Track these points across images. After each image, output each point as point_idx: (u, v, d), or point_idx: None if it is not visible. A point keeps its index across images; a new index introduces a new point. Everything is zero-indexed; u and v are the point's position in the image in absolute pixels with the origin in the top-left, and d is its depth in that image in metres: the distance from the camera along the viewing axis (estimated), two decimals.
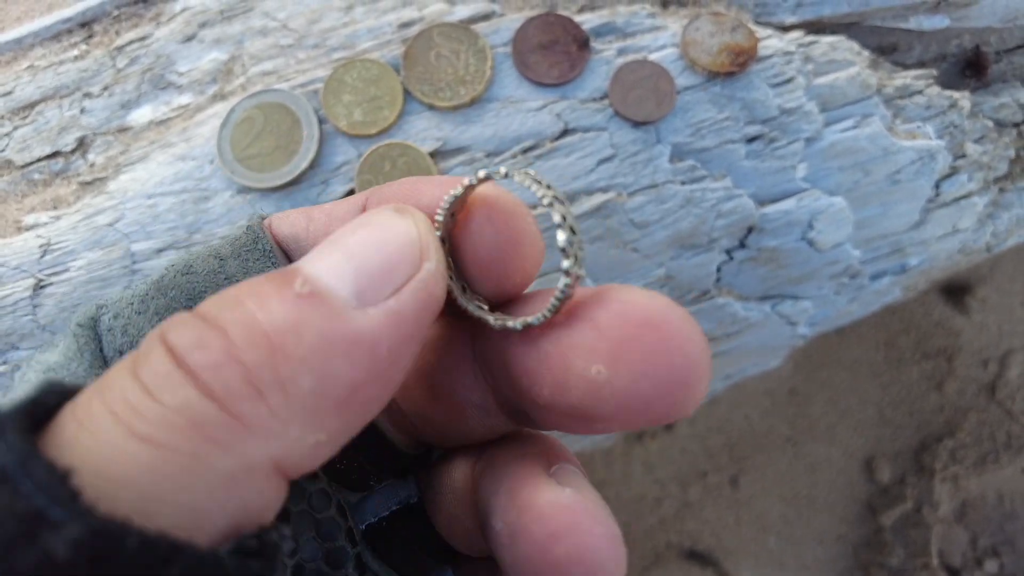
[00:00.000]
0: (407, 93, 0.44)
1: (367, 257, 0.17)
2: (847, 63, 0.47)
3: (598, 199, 0.44)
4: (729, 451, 1.01)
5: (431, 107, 0.44)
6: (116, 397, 0.15)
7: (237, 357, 0.15)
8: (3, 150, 0.51)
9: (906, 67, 0.53)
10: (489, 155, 0.44)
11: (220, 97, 0.49)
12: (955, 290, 1.03)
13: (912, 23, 0.52)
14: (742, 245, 0.46)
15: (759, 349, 0.52)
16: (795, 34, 0.48)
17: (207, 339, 0.15)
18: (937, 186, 0.52)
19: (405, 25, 0.46)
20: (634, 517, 0.98)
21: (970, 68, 0.54)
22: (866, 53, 0.49)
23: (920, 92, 0.50)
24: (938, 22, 0.52)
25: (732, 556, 1.00)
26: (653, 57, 0.44)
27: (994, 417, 1.00)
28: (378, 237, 0.18)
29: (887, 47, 0.53)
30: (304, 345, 0.16)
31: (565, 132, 0.44)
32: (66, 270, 0.46)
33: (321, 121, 0.44)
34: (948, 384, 1.02)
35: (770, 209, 0.46)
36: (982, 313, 1.02)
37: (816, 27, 0.51)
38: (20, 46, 0.55)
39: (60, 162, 0.50)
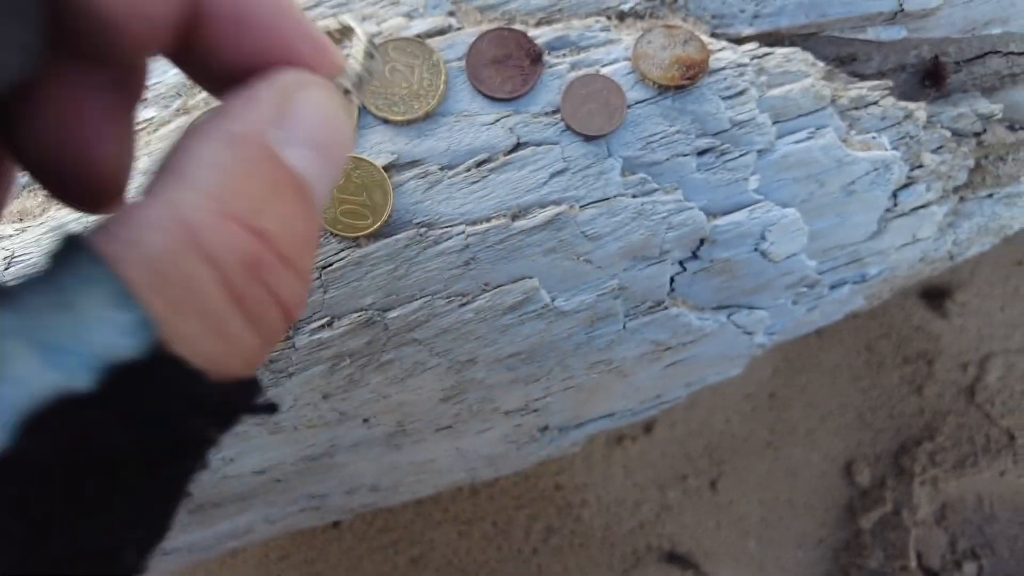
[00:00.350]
0: (362, 107, 0.45)
1: (332, 151, 0.20)
2: (801, 75, 0.48)
3: (551, 211, 0.44)
4: (709, 455, 1.01)
5: (385, 121, 0.44)
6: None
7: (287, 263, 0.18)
8: None
9: (865, 77, 0.54)
10: (443, 168, 0.45)
11: (184, 111, 0.49)
12: (935, 294, 1.04)
13: (870, 34, 0.53)
14: (695, 256, 0.47)
15: (717, 358, 0.53)
16: (749, 46, 0.48)
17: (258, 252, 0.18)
18: (894, 196, 0.52)
19: None
20: (613, 520, 0.99)
21: (929, 78, 0.55)
22: (821, 64, 0.50)
23: (875, 103, 0.50)
24: (895, 33, 0.52)
25: (712, 559, 1.00)
26: (605, 71, 0.45)
27: (973, 420, 1.01)
28: (336, 127, 0.20)
29: (846, 58, 0.54)
30: (307, 244, 0.19)
31: (518, 146, 0.44)
32: None
33: None
34: (928, 388, 1.03)
35: (721, 221, 0.46)
36: (962, 317, 1.03)
37: (775, 39, 0.52)
38: None
39: (26, 175, 0.51)
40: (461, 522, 0.99)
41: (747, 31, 0.50)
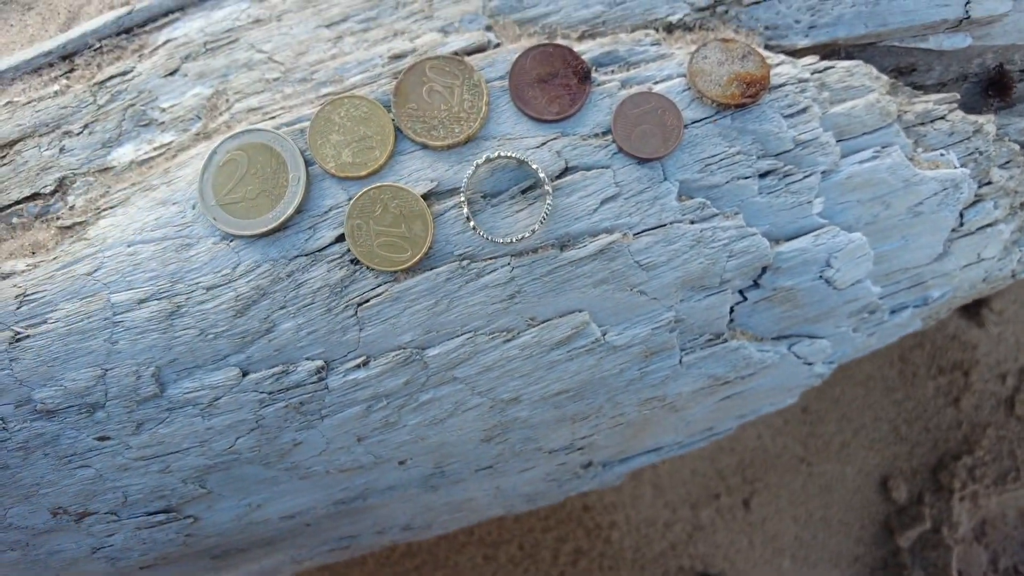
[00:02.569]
0: (398, 132, 0.42)
1: None
2: (865, 89, 0.45)
3: (603, 240, 0.41)
4: (741, 472, 0.98)
5: (424, 146, 0.41)
6: None
7: None
8: None
9: (925, 88, 0.51)
10: (486, 196, 0.41)
11: (204, 135, 0.46)
12: (971, 303, 1.00)
13: (932, 43, 0.49)
14: (756, 285, 0.44)
15: (774, 390, 0.50)
16: (809, 59, 0.45)
17: None
18: (961, 215, 0.49)
19: (396, 57, 0.44)
20: (643, 541, 0.96)
21: (993, 88, 0.51)
22: (884, 78, 0.46)
23: (943, 118, 0.47)
24: (959, 41, 0.49)
25: None
26: (658, 88, 0.42)
27: (1013, 433, 0.97)
28: None
29: (905, 68, 0.51)
30: None
31: (566, 170, 0.41)
32: (43, 322, 0.44)
33: (308, 163, 0.42)
34: (965, 399, 0.99)
35: (785, 247, 0.43)
36: (999, 325, 0.99)
37: (830, 50, 0.49)
38: (0, 81, 0.53)
39: (39, 204, 0.48)
40: (487, 545, 0.96)
41: (802, 43, 0.47)
